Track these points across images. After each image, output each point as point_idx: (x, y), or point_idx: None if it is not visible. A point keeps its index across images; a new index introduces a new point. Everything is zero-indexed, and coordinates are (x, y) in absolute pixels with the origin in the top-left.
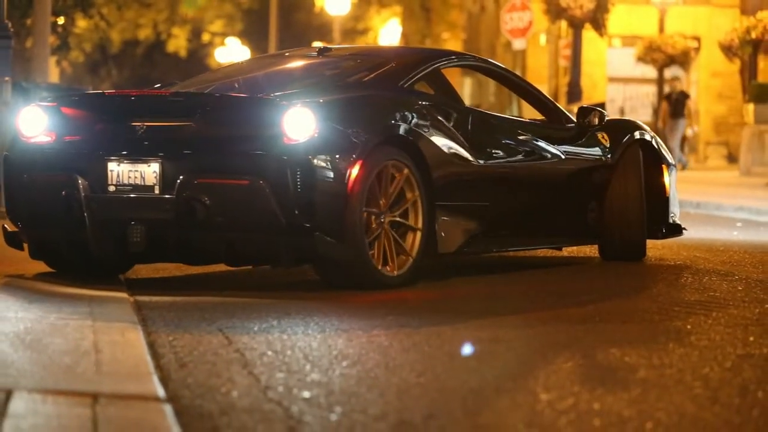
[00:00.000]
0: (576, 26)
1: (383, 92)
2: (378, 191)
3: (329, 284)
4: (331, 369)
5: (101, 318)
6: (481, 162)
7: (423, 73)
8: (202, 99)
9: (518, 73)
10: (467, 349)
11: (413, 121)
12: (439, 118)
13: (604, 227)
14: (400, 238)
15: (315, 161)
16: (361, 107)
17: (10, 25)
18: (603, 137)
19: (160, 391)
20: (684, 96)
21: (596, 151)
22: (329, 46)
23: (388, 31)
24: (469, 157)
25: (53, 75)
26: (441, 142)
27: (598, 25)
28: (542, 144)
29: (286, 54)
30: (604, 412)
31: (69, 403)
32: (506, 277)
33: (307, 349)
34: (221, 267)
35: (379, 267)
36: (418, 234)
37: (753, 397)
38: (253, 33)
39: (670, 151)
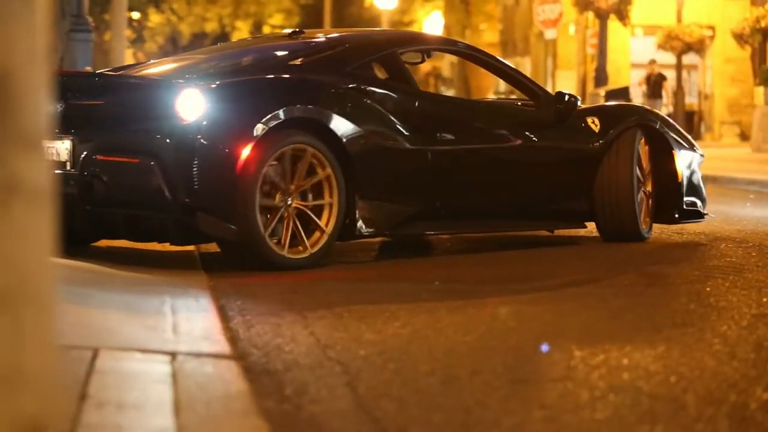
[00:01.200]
0: (602, 17)
1: (318, 76)
2: (281, 172)
3: (233, 263)
4: (384, 329)
5: (177, 285)
6: (424, 145)
7: (375, 57)
8: (110, 80)
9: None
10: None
11: (329, 104)
12: (377, 100)
13: (594, 215)
14: (315, 216)
15: (203, 142)
16: (260, 89)
17: (91, 20)
18: (593, 122)
19: (230, 350)
20: (661, 78)
21: (578, 135)
22: (305, 30)
23: (430, 23)
24: (407, 140)
25: None
26: (367, 124)
27: (622, 16)
28: (512, 128)
29: (262, 37)
30: (632, 367)
31: (150, 360)
32: (535, 252)
33: (362, 312)
34: None
35: (285, 248)
36: (334, 211)
37: (767, 353)
38: (310, 26)
39: None
